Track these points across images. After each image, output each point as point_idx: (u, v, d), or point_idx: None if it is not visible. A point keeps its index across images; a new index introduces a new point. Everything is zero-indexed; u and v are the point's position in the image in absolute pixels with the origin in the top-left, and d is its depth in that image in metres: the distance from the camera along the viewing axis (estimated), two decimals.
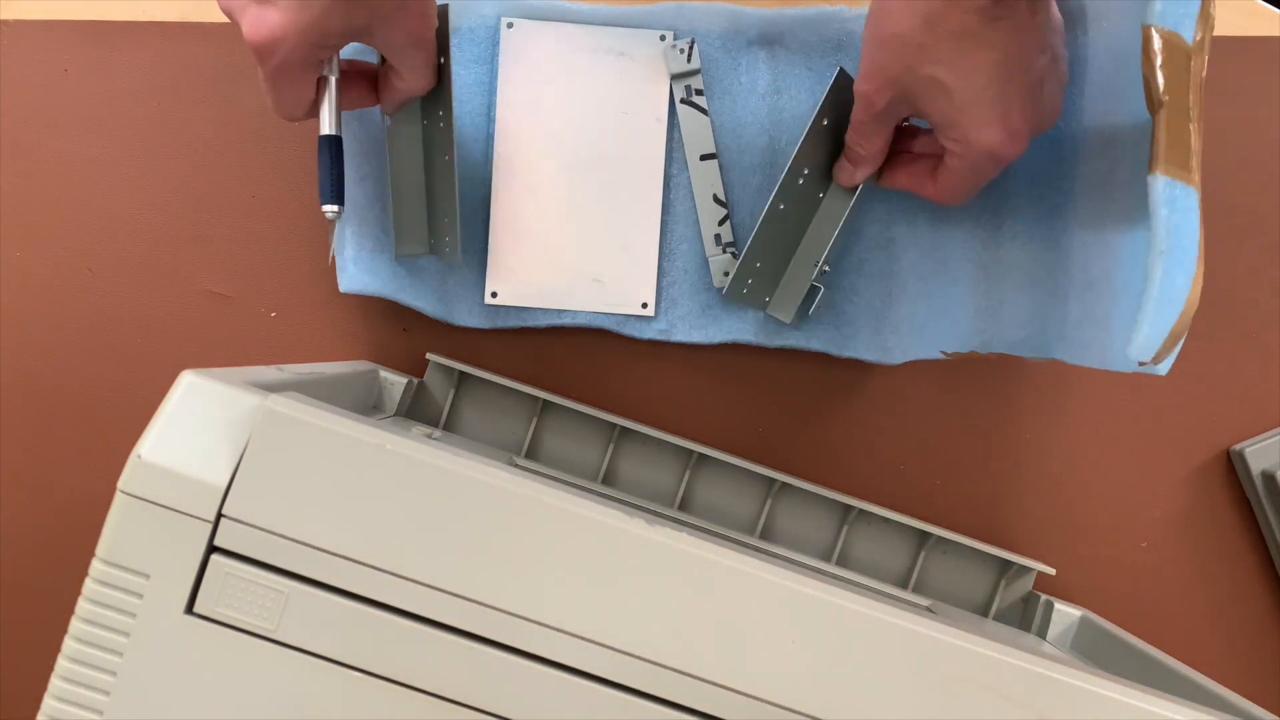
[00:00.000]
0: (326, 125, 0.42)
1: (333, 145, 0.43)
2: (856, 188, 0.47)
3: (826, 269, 0.48)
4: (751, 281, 0.48)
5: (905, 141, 0.45)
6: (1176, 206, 0.34)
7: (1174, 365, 0.52)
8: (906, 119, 0.43)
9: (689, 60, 0.49)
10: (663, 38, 0.50)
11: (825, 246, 0.47)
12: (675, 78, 0.50)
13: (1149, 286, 0.34)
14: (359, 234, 0.50)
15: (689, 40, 0.49)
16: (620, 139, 0.50)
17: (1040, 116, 0.39)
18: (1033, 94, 0.38)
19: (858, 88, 0.42)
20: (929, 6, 0.36)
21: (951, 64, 0.37)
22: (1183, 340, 0.38)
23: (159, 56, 0.53)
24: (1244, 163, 0.53)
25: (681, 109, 0.50)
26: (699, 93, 0.50)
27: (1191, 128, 0.36)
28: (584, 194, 0.50)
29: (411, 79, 0.43)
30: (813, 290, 0.48)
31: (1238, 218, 0.53)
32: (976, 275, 0.48)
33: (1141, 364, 0.36)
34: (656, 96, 0.50)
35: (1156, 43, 0.34)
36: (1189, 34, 0.35)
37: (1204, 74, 0.37)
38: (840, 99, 0.45)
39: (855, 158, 0.45)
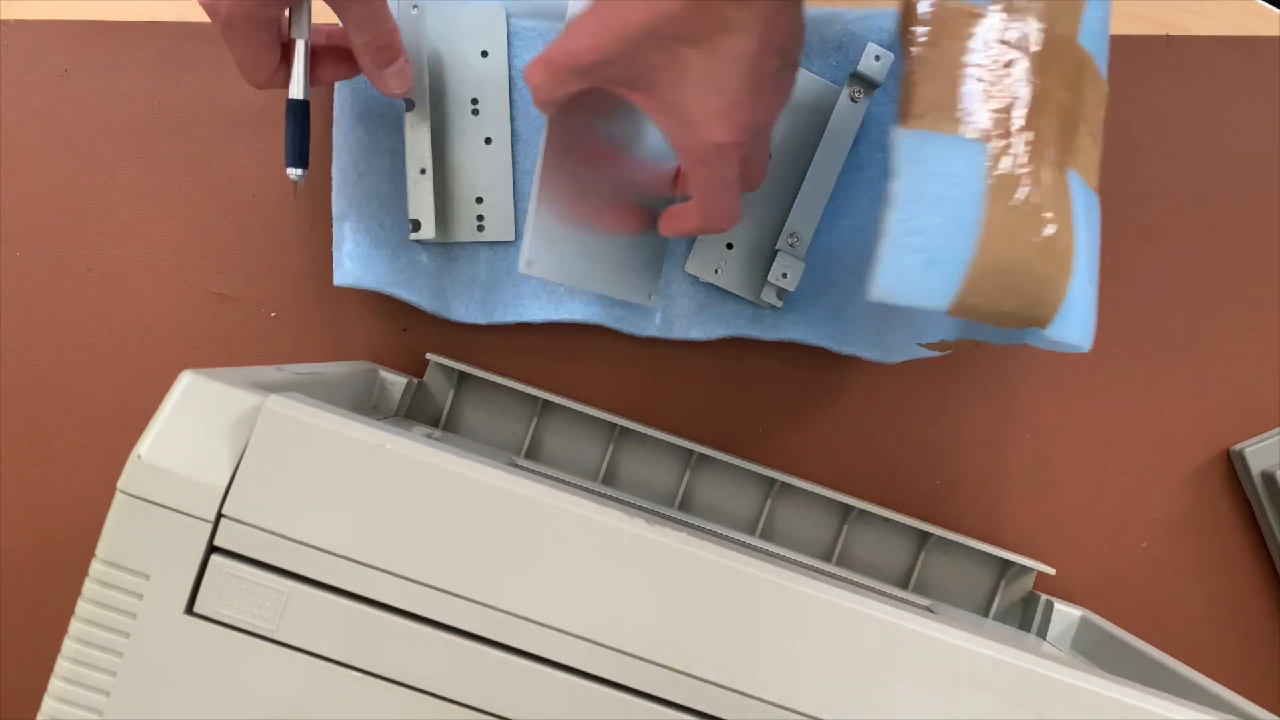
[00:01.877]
0: (295, 89, 0.44)
1: (299, 110, 0.44)
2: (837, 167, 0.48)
3: (793, 238, 0.48)
4: (724, 263, 0.50)
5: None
6: (927, 159, 0.34)
7: (1174, 365, 0.52)
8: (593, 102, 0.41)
9: None
10: None
11: (789, 217, 0.48)
12: None
13: (881, 229, 0.35)
14: (357, 230, 0.50)
15: None
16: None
17: (757, 118, 0.38)
18: (757, 97, 0.37)
19: (568, 47, 0.37)
20: None
21: (699, 41, 0.35)
22: (1081, 303, 0.37)
23: (159, 56, 0.53)
24: (1244, 162, 0.53)
25: None
26: None
27: (974, 84, 0.35)
28: None
29: (361, 39, 0.43)
30: (780, 259, 0.48)
31: (1237, 217, 0.53)
32: None
33: (953, 311, 0.36)
34: None
35: (912, 7, 0.35)
36: None
37: (1056, 29, 0.36)
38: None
39: (538, 103, 0.40)
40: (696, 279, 0.51)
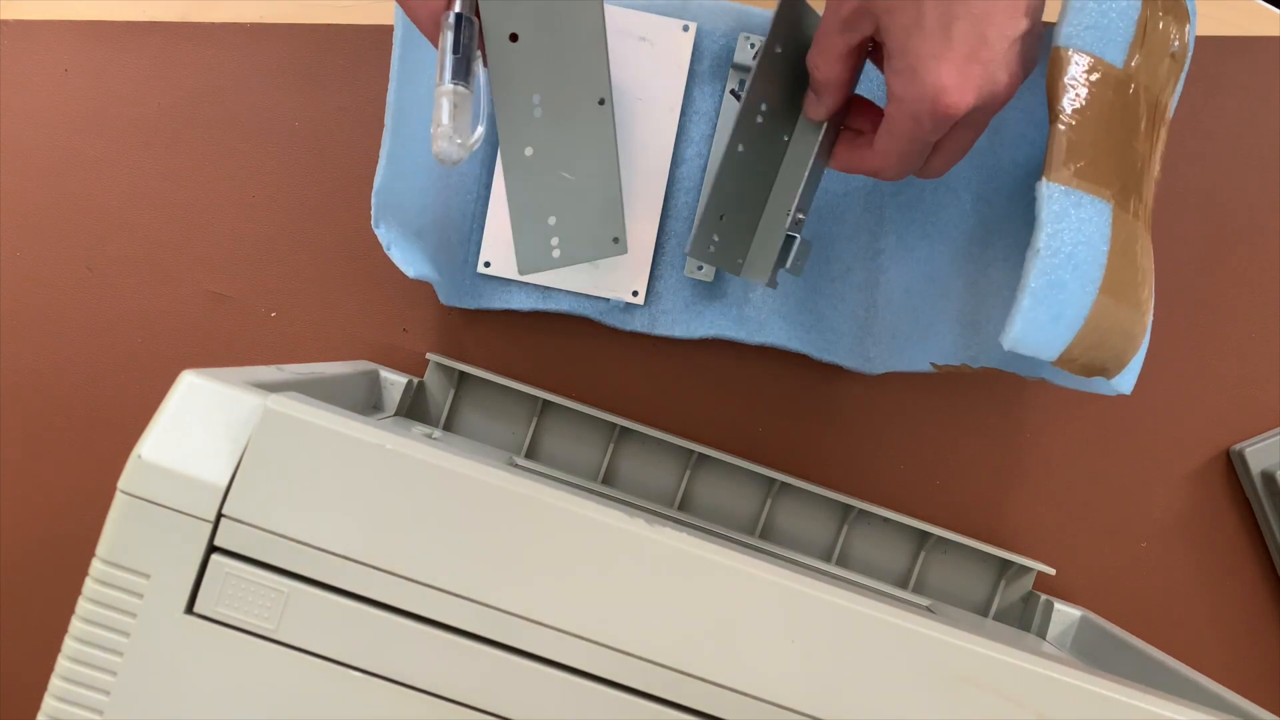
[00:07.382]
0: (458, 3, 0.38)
1: (459, 23, 0.38)
2: (822, 125, 0.43)
3: (801, 216, 0.44)
4: (719, 239, 0.44)
5: (852, 118, 0.44)
6: (1066, 215, 0.36)
7: (1174, 365, 0.53)
8: (869, 44, 0.40)
9: (754, 59, 0.49)
10: (685, 28, 0.49)
11: (796, 191, 0.43)
12: (735, 68, 0.50)
13: (1022, 280, 0.36)
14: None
15: (762, 39, 0.49)
16: (630, 125, 0.50)
17: (993, 85, 0.37)
18: (995, 57, 0.36)
19: None
20: None
21: None
22: (1139, 355, 0.39)
23: (159, 56, 0.53)
24: (1244, 163, 0.53)
25: (728, 99, 0.50)
26: None
27: (1107, 144, 0.37)
28: None
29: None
30: (788, 241, 0.44)
31: (1237, 217, 0.53)
32: (963, 292, 0.47)
33: (1055, 363, 0.37)
34: (673, 87, 0.50)
35: (1062, 62, 0.37)
36: (1116, 59, 0.37)
37: (1161, 98, 0.39)
38: (791, 25, 0.42)
39: (815, 84, 0.41)
40: (683, 277, 0.51)
